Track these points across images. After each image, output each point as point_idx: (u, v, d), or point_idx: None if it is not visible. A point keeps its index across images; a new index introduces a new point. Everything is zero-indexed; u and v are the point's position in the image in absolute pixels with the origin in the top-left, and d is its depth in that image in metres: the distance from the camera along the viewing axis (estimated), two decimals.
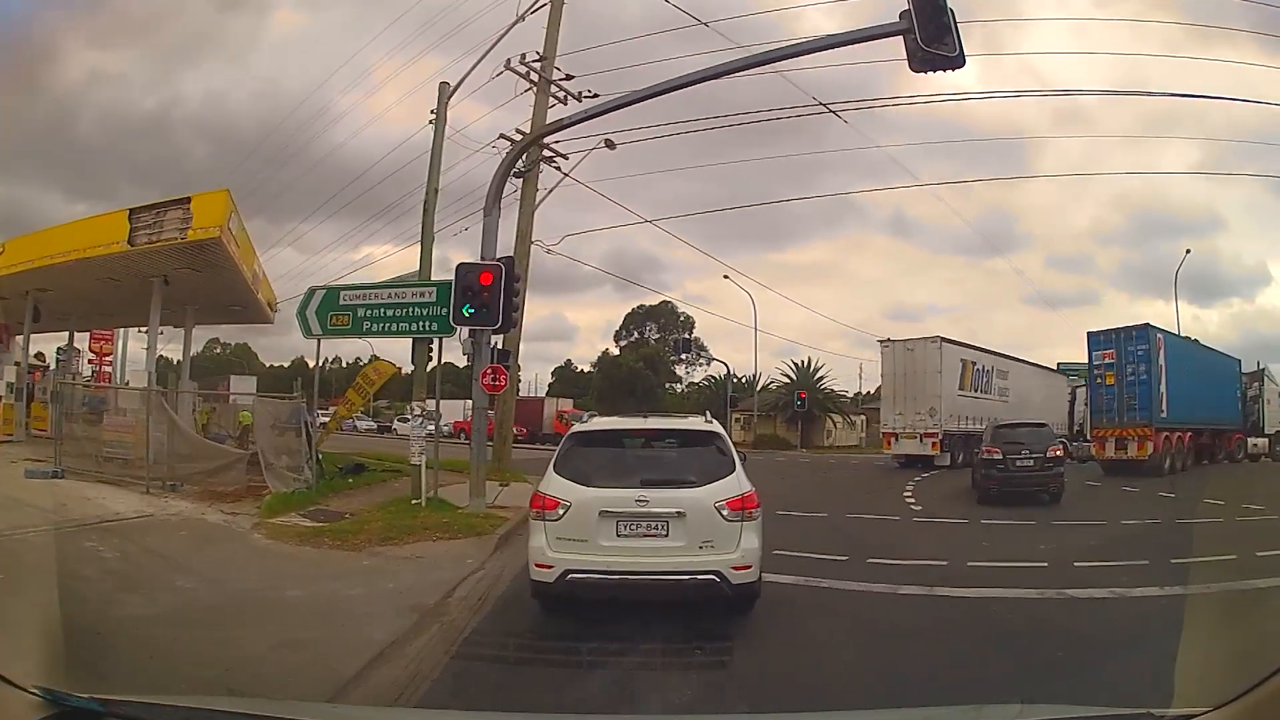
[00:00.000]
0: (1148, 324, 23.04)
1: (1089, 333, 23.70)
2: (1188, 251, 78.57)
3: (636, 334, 75.93)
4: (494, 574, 8.09)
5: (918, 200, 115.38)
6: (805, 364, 59.17)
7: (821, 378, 58.40)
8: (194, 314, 22.29)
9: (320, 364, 17.34)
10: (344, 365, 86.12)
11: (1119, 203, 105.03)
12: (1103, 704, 3.02)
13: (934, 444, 25.60)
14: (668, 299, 75.70)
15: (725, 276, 49.70)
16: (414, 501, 12.09)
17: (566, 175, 19.49)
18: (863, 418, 66.93)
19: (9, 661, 2.28)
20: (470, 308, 11.33)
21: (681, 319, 73.82)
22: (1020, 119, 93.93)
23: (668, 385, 72.99)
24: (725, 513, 6.03)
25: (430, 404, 13.65)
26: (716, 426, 6.87)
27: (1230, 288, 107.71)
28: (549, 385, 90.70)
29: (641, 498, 6.04)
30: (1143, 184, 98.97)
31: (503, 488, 15.38)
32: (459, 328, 12.25)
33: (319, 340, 14.10)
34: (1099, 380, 23.18)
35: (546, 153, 18.84)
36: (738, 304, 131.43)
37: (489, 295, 11.27)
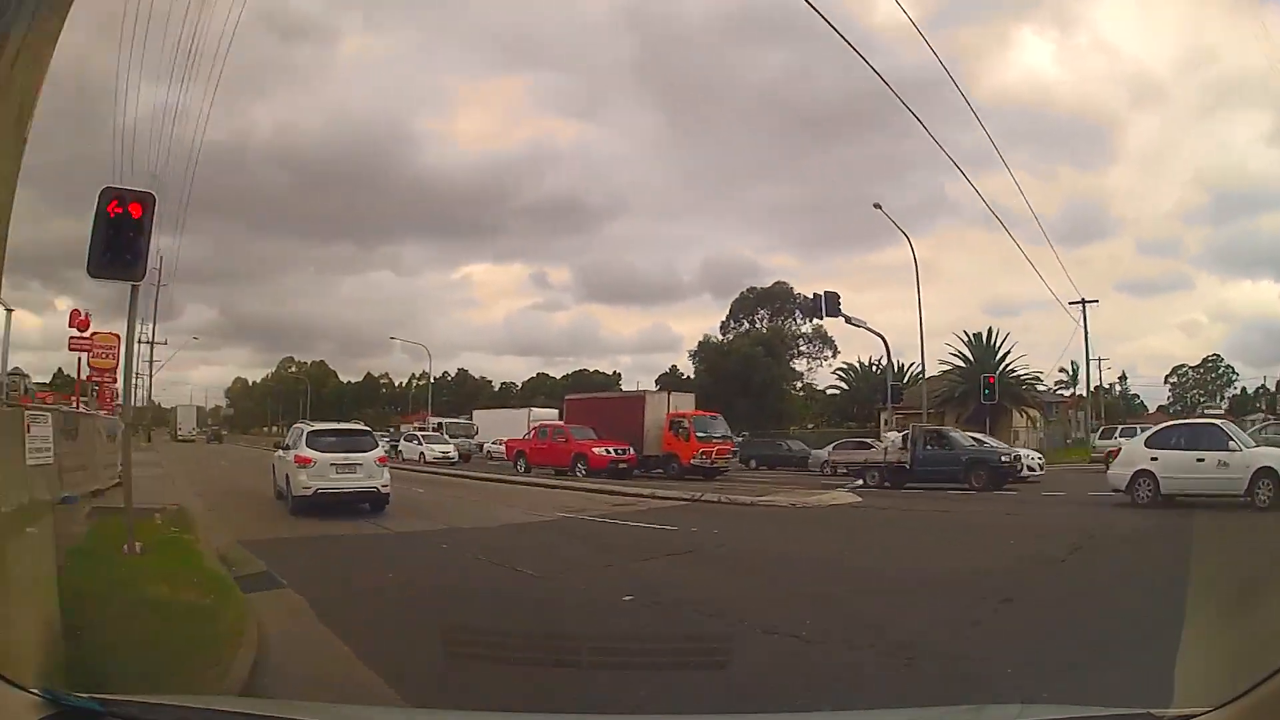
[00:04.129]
0: None
1: None
2: None
3: (746, 323, 61.07)
4: None
5: (1006, 191, 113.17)
6: (986, 338, 43.28)
7: (1006, 354, 42.51)
8: None
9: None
10: (434, 380, 78.20)
11: (1200, 179, 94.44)
12: None
13: None
14: (782, 280, 62.01)
15: (876, 205, 36.91)
16: None
17: None
18: (1037, 414, 52.15)
19: (9, 661, 2.26)
20: None
21: (799, 301, 58.67)
22: (1096, 99, 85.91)
23: (790, 385, 57.76)
24: (376, 463, 13.75)
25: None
26: (367, 427, 17.63)
27: None
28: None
29: (347, 457, 13.50)
30: (1221, 158, 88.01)
31: None
32: None
33: None
34: None
35: None
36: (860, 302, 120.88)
37: None
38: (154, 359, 49.94)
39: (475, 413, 53.00)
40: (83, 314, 41.43)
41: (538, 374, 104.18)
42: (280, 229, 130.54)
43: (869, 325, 32.07)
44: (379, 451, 14.15)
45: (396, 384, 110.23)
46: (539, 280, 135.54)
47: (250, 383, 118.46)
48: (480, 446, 40.79)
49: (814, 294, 28.92)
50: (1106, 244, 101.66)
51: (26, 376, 49.90)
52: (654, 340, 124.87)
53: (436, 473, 28.08)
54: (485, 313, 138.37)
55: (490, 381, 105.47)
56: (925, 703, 4.69)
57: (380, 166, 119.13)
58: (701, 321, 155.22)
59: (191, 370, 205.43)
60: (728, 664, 5.19)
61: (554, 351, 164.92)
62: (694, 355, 58.92)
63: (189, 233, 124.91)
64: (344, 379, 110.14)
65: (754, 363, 51.48)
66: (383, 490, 13.60)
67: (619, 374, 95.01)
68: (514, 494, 19.72)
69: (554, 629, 6.52)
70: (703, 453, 25.69)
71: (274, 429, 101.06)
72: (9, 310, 17.53)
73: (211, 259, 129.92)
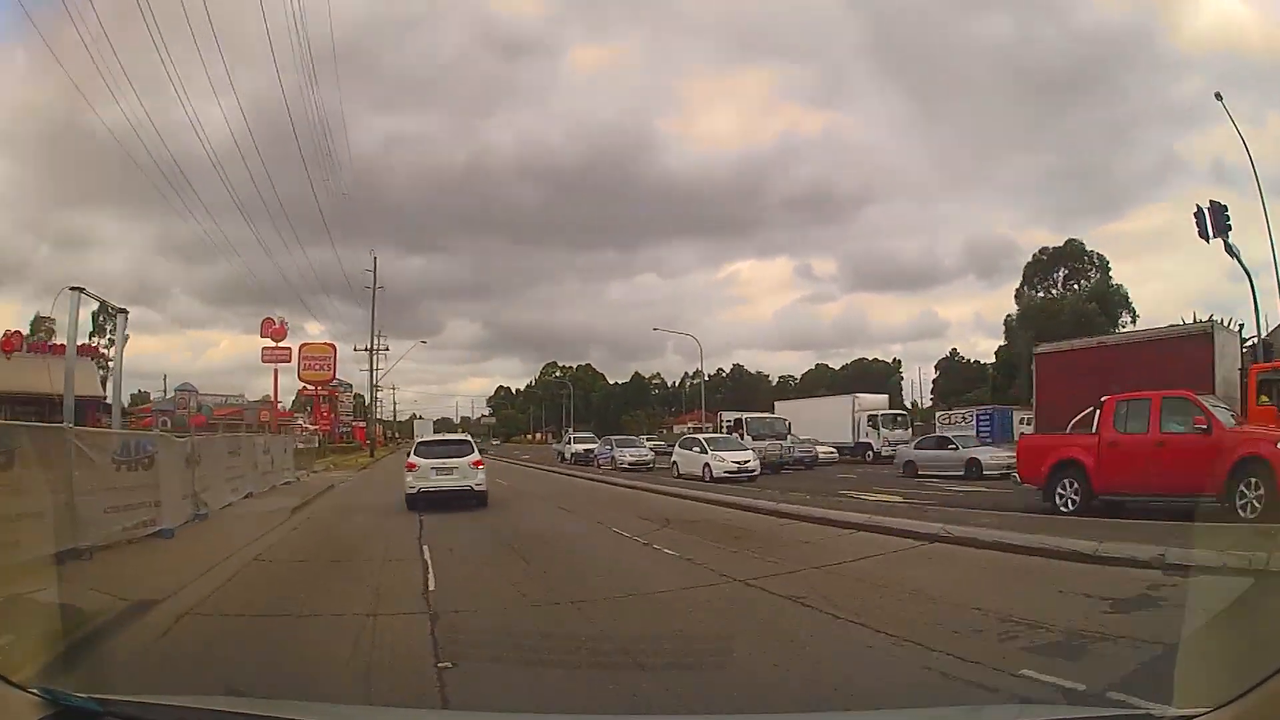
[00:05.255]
0: None
1: None
2: None
3: (1040, 289, 58.13)
4: None
5: (1228, 144, 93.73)
6: None
7: None
8: None
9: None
10: (709, 377, 73.49)
11: None
12: None
13: None
14: (1074, 238, 59.17)
15: (1217, 96, 27.37)
16: None
17: None
18: None
19: (9, 661, 2.29)
20: None
21: (1095, 259, 57.34)
22: None
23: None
24: (471, 466, 16.16)
25: None
26: (467, 436, 20.07)
27: None
28: (933, 382, 75.12)
29: (445, 462, 16.15)
30: None
31: None
32: None
33: None
34: None
35: None
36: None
37: None
38: (375, 367, 47.76)
39: (777, 404, 43.16)
40: (277, 321, 38.22)
41: (816, 365, 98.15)
42: (540, 241, 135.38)
43: (1242, 258, 23.21)
44: (474, 456, 16.52)
45: (669, 384, 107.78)
46: (804, 273, 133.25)
47: (514, 390, 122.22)
48: (791, 450, 30.21)
49: (1197, 206, 23.07)
50: None
51: (195, 391, 48.49)
52: (923, 327, 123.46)
53: (717, 501, 16.10)
54: (754, 309, 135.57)
55: (767, 376, 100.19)
56: None
57: (631, 171, 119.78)
58: (967, 305, 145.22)
59: (461, 383, 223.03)
60: None
61: (825, 344, 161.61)
62: (1009, 320, 56.12)
63: (450, 252, 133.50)
64: (612, 381, 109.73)
65: (1090, 322, 43.20)
66: (476, 488, 16.04)
67: (898, 360, 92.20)
68: (888, 560, 8.94)
69: None
70: None
71: (535, 436, 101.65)
72: (124, 312, 15.63)
73: (474, 276, 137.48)
